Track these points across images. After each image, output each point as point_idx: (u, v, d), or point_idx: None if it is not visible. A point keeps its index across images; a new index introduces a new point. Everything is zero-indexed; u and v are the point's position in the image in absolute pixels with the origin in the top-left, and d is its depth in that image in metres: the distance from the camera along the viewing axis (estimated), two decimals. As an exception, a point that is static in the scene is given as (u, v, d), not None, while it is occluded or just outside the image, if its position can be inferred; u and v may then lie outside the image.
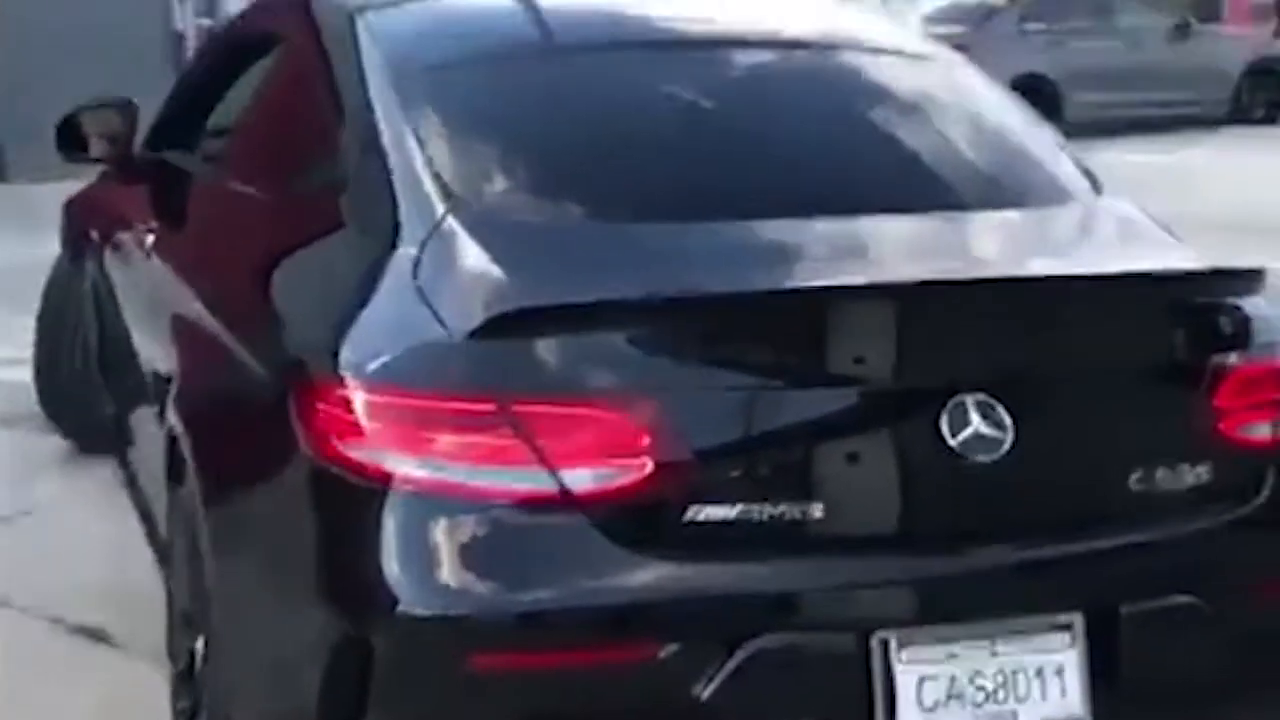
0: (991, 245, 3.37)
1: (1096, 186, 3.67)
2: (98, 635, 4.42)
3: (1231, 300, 3.19)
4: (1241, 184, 12.86)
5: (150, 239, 4.42)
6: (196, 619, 3.48)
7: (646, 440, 2.80)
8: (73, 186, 6.00)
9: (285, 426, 2.96)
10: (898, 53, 4.10)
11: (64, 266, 5.94)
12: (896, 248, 3.26)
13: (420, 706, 2.83)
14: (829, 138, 3.64)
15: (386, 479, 2.80)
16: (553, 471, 2.78)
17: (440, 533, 2.80)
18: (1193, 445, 3.11)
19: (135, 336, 4.53)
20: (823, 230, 3.23)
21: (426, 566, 2.79)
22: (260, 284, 3.44)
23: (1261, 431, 3.17)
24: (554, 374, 2.82)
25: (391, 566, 2.78)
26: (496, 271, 2.99)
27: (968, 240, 3.36)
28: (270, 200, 3.74)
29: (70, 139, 4.82)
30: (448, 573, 2.79)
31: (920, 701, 2.91)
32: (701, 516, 2.82)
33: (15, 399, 6.31)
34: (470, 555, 2.81)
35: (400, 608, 2.77)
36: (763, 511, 2.84)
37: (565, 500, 2.78)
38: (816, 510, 2.87)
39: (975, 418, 2.92)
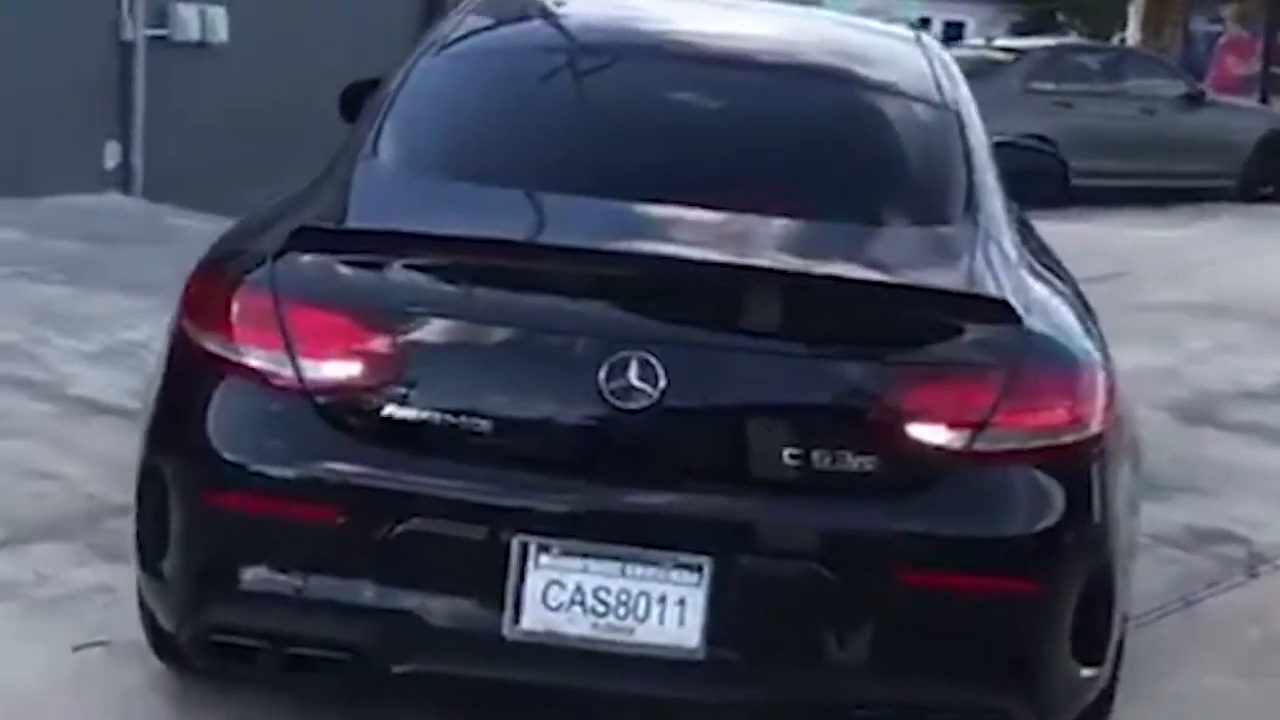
0: (769, 245, 3.88)
1: (971, 207, 4.09)
2: None
3: (962, 321, 3.61)
4: (1253, 269, 12.18)
5: None
6: None
7: (370, 346, 3.50)
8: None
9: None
10: (867, 65, 4.74)
11: None
12: (688, 234, 3.84)
13: (175, 530, 3.59)
14: (738, 140, 4.29)
15: (198, 350, 3.64)
16: (294, 360, 3.50)
17: (204, 395, 3.60)
18: (861, 437, 3.50)
19: None
20: (652, 214, 3.89)
21: (190, 419, 3.59)
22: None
23: (937, 437, 3.51)
24: (316, 285, 3.57)
25: (170, 416, 3.71)
26: (337, 202, 3.96)
27: (761, 239, 3.88)
28: None
29: (350, 106, 5.11)
30: (202, 426, 3.57)
31: (545, 601, 3.43)
32: (397, 414, 3.48)
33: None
34: (216, 415, 3.57)
35: (148, 455, 3.70)
36: (446, 419, 3.47)
37: (298, 385, 3.51)
38: (488, 426, 3.47)
39: (633, 371, 3.43)
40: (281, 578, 3.48)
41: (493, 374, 3.53)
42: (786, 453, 3.47)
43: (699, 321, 3.57)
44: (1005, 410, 3.52)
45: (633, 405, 3.42)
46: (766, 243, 3.87)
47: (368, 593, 3.44)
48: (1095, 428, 3.64)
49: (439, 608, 3.43)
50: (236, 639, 3.54)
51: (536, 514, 3.44)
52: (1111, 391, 3.76)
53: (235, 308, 3.59)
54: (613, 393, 3.42)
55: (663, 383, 3.42)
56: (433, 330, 3.54)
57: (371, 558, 3.44)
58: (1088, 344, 3.83)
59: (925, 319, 3.61)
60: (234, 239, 4.00)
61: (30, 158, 10.20)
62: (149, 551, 3.66)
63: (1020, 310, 3.63)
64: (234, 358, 3.55)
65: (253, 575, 3.50)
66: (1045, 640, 3.59)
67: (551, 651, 3.42)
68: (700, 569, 3.41)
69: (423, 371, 3.52)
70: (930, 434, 3.50)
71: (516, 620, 3.42)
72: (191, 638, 3.60)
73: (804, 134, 4.35)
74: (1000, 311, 3.61)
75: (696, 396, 3.49)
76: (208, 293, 3.69)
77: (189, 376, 3.66)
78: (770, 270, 3.70)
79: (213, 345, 3.59)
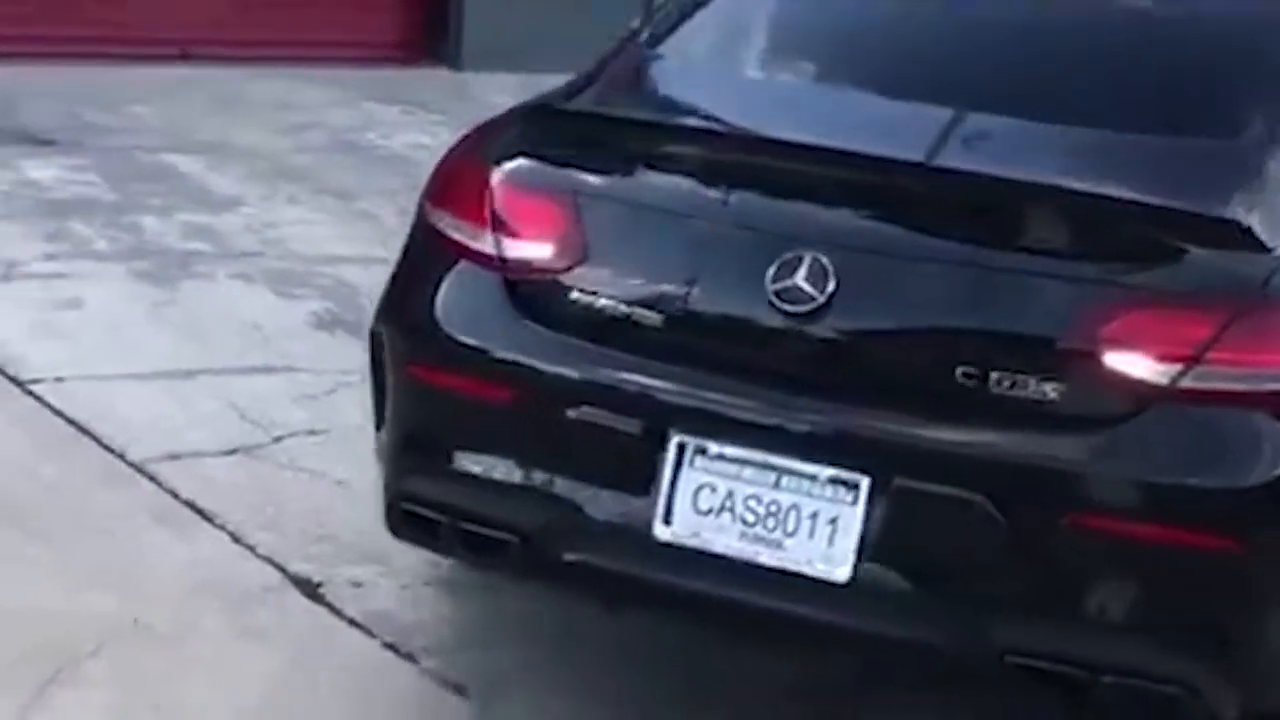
0: (1000, 148, 3.59)
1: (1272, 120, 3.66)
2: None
3: (1168, 240, 3.30)
4: None
5: None
6: None
7: (563, 230, 3.49)
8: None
9: None
10: None
11: None
12: (923, 134, 3.58)
13: (387, 397, 3.70)
14: (1028, 49, 3.96)
15: (423, 222, 3.73)
16: (496, 238, 3.53)
17: (418, 267, 3.71)
18: (1047, 361, 3.24)
19: None
20: (898, 112, 3.70)
21: (406, 290, 3.71)
22: None
23: (1136, 368, 3.20)
24: (526, 165, 3.62)
25: (394, 283, 3.78)
26: (579, 85, 3.92)
27: (1000, 142, 3.60)
28: None
29: None
30: (411, 297, 3.68)
31: (696, 504, 3.32)
32: (578, 300, 3.46)
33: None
34: (422, 288, 3.64)
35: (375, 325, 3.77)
36: (622, 309, 3.42)
37: (494, 262, 3.52)
38: (659, 319, 3.40)
39: (802, 272, 3.29)
40: (462, 455, 3.54)
41: (673, 266, 3.46)
42: (960, 371, 3.25)
43: (879, 224, 3.47)
44: (1226, 346, 3.19)
45: (798, 308, 3.30)
46: (999, 146, 3.62)
47: (537, 478, 3.46)
48: None
49: (601, 500, 3.41)
50: (423, 510, 3.58)
51: (695, 413, 3.35)
52: None
53: (456, 184, 3.69)
54: (778, 294, 3.31)
55: (831, 286, 3.28)
56: (622, 218, 3.56)
57: (542, 443, 3.45)
58: None
59: (1140, 237, 3.35)
60: (494, 120, 3.99)
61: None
62: (377, 413, 3.78)
63: (1268, 237, 3.31)
64: (447, 232, 3.63)
65: (439, 449, 3.58)
66: (1247, 610, 3.25)
67: (698, 557, 3.32)
68: (856, 487, 3.26)
69: (606, 260, 3.49)
70: (1128, 364, 3.20)
71: (668, 521, 3.33)
72: (390, 503, 3.66)
73: (1104, 40, 3.96)
74: (1239, 237, 3.31)
75: (867, 304, 3.34)
76: (442, 168, 3.80)
77: (413, 247, 3.77)
78: (961, 173, 3.51)
79: (433, 218, 3.69)
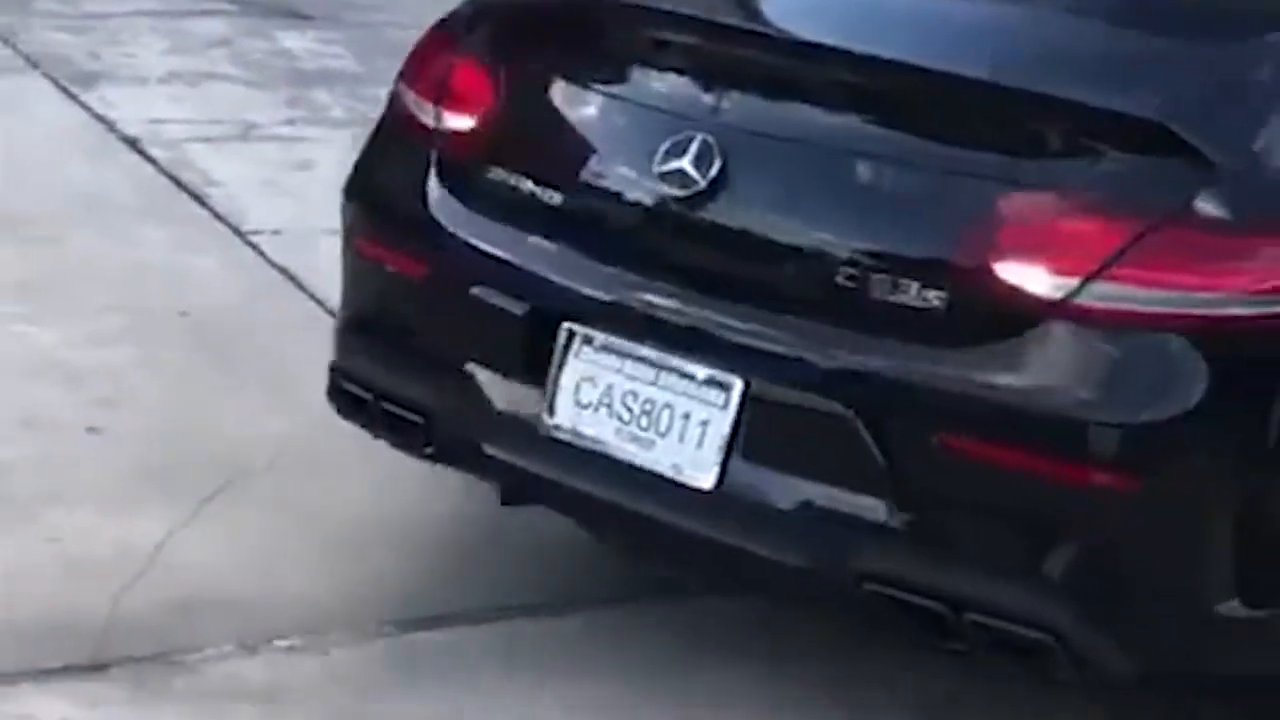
0: (920, 32, 3.21)
1: None
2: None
3: (1078, 139, 3.00)
4: None
5: None
6: None
7: (490, 106, 3.44)
8: None
9: None
10: None
11: None
12: (835, 15, 3.32)
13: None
14: None
15: (391, 96, 3.68)
16: (437, 111, 3.48)
17: (378, 142, 3.68)
18: (932, 267, 2.97)
19: None
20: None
21: (367, 162, 3.68)
22: None
23: (1026, 280, 2.89)
24: (476, 43, 3.53)
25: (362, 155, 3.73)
26: None
27: (913, 24, 3.24)
28: None
29: None
30: (368, 170, 3.66)
31: (577, 397, 3.20)
32: (490, 177, 3.38)
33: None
34: (377, 160, 3.66)
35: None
36: (527, 187, 3.32)
37: (434, 136, 3.47)
38: (560, 199, 3.30)
39: (690, 155, 3.10)
40: (384, 332, 3.54)
41: (576, 146, 3.37)
42: (842, 272, 3.00)
43: (770, 106, 3.25)
44: (1133, 262, 2.85)
45: (679, 192, 3.11)
46: (907, 27, 3.24)
47: (443, 359, 3.37)
48: None
49: (498, 386, 3.30)
50: (352, 386, 3.55)
51: (583, 299, 3.22)
52: None
53: (415, 59, 3.64)
54: (662, 175, 3.13)
55: (714, 170, 3.09)
56: (534, 94, 3.46)
57: (447, 323, 3.40)
58: None
59: (1047, 134, 3.04)
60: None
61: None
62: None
63: (1206, 148, 2.89)
64: (405, 107, 3.58)
65: (367, 325, 3.58)
66: (1131, 557, 2.91)
67: (579, 453, 3.19)
68: (729, 390, 3.06)
69: (517, 137, 3.44)
70: (1020, 275, 2.88)
71: (552, 413, 3.22)
72: (329, 376, 3.62)
73: None
74: (1166, 143, 2.90)
75: (748, 192, 3.12)
76: (415, 47, 3.72)
77: (380, 124, 3.72)
78: (857, 55, 3.15)
79: (397, 93, 3.64)
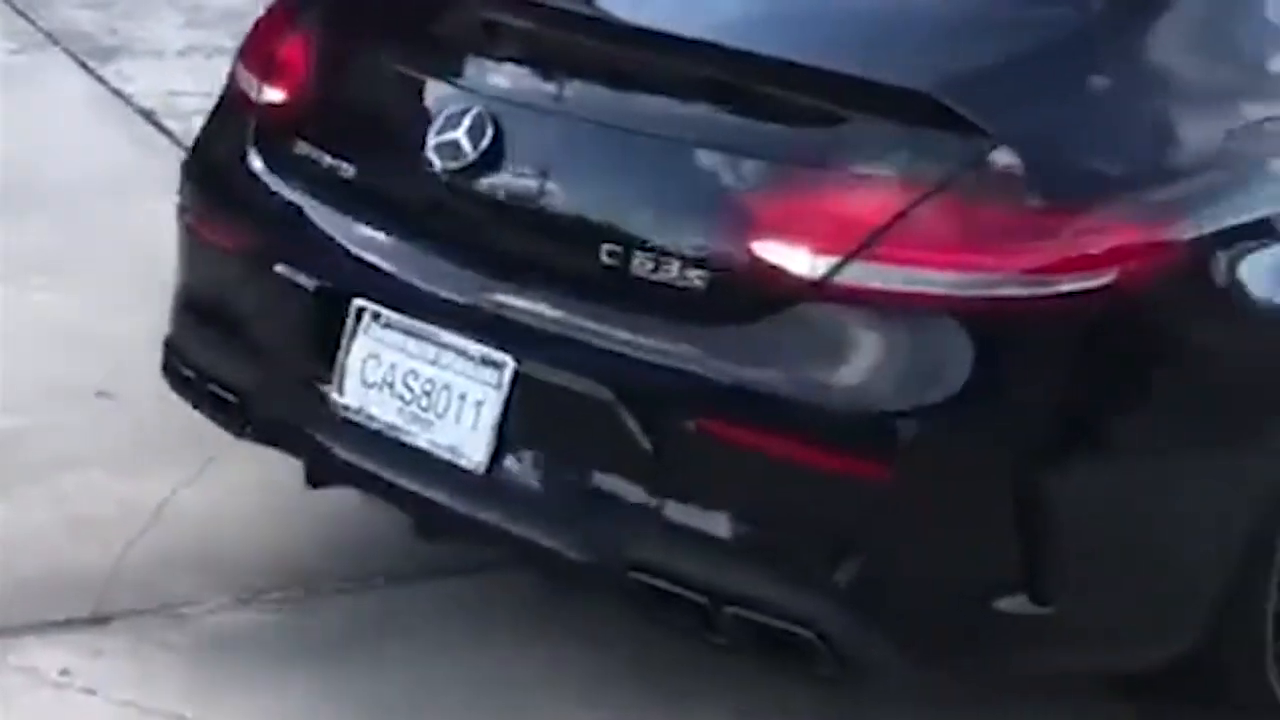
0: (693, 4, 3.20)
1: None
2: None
3: (841, 113, 2.86)
4: None
5: None
6: None
7: (303, 78, 3.44)
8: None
9: None
10: None
11: None
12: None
13: None
14: None
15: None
16: (259, 85, 3.49)
17: (216, 120, 3.71)
18: (692, 244, 2.87)
19: None
20: None
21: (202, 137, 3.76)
22: None
23: (783, 259, 2.80)
24: (304, 16, 3.51)
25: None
26: None
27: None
28: None
29: None
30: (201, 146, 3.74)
31: (363, 376, 3.16)
32: (294, 151, 3.37)
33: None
34: (206, 136, 3.74)
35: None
36: (324, 159, 3.32)
37: (250, 109, 3.49)
38: (352, 172, 3.29)
39: (463, 127, 3.07)
40: (205, 308, 3.50)
41: (370, 117, 3.40)
42: (605, 249, 2.92)
43: (541, 79, 3.16)
44: (895, 241, 2.74)
45: (451, 164, 3.07)
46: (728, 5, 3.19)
47: (250, 336, 3.35)
48: (1075, 284, 2.73)
49: (300, 364, 3.27)
50: (180, 365, 3.53)
51: (370, 274, 3.19)
52: (1154, 247, 2.77)
53: (249, 34, 3.62)
54: (437, 146, 3.09)
55: (485, 143, 3.05)
56: (337, 66, 3.47)
57: (255, 299, 3.36)
58: (1111, 175, 2.85)
59: (809, 108, 2.90)
60: None
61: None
62: None
63: (979, 119, 2.77)
64: (236, 82, 3.58)
65: (191, 301, 3.55)
66: (889, 547, 2.78)
67: (366, 434, 3.15)
68: (502, 369, 3.00)
69: (321, 107, 3.42)
70: (778, 253, 2.80)
71: (341, 393, 3.18)
72: (163, 354, 3.60)
73: None
74: (934, 116, 2.78)
75: (517, 166, 3.05)
76: (254, 21, 3.67)
77: (220, 97, 3.70)
78: (625, 25, 3.14)
79: (232, 70, 3.64)
